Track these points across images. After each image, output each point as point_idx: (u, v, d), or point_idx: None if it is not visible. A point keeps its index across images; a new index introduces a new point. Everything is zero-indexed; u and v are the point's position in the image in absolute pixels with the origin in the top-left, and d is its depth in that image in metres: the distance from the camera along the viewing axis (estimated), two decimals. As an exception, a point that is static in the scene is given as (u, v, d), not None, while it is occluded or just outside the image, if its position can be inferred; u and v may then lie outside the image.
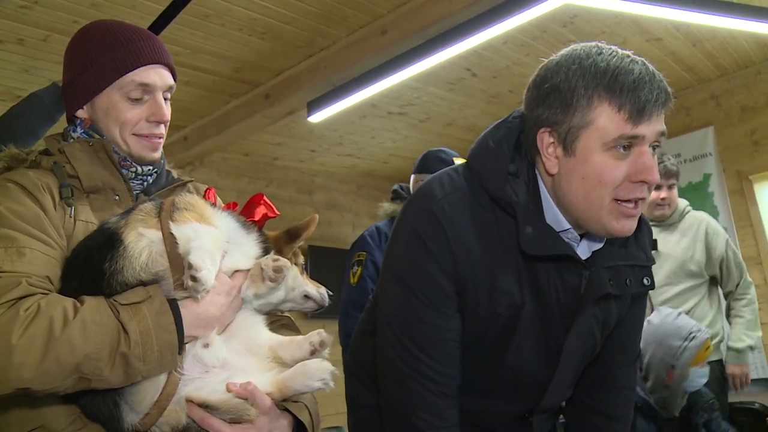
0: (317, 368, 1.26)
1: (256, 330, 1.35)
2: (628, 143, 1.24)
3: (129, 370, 1.15)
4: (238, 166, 5.92)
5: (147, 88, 1.43)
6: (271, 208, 1.42)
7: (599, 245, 1.39)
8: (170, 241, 1.22)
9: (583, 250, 1.39)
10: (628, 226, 1.29)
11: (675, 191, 3.31)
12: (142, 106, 1.44)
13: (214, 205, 1.39)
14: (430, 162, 3.03)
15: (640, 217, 1.41)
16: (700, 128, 5.41)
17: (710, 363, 3.29)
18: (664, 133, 1.27)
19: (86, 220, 1.34)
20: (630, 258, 1.43)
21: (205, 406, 1.23)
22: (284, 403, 1.31)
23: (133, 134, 1.44)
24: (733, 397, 3.72)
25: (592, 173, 1.25)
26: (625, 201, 1.26)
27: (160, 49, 1.47)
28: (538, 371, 1.44)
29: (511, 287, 1.34)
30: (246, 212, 1.41)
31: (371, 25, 3.84)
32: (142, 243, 1.22)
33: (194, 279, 1.17)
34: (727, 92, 5.33)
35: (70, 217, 1.32)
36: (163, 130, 1.49)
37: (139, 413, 1.21)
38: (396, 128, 5.63)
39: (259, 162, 6.05)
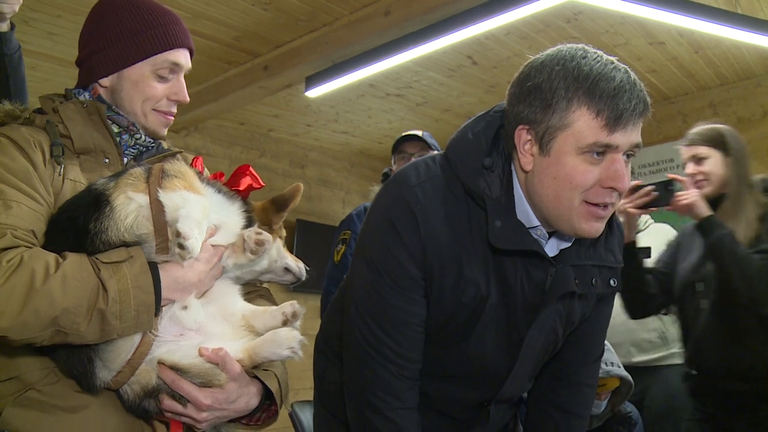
0: (286, 337, 1.29)
1: (231, 299, 1.39)
2: (602, 150, 1.25)
3: (105, 326, 1.18)
4: (233, 135, 5.90)
5: (176, 68, 1.50)
6: (257, 179, 1.44)
7: (567, 244, 1.42)
8: (157, 206, 1.25)
9: (552, 247, 1.41)
10: (596, 228, 1.31)
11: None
12: (166, 84, 1.50)
13: (200, 174, 1.41)
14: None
15: (611, 219, 1.44)
16: (695, 135, 5.42)
17: (680, 366, 3.33)
18: (639, 145, 1.28)
19: (75, 179, 1.37)
20: (598, 258, 1.45)
21: (176, 369, 1.26)
22: (254, 371, 1.35)
23: (153, 109, 1.50)
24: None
25: (564, 175, 1.27)
26: (595, 204, 1.28)
27: (187, 33, 1.55)
28: (498, 362, 1.47)
29: (478, 278, 1.37)
30: (231, 182, 1.43)
31: (375, 4, 3.81)
32: (131, 206, 1.25)
33: (182, 247, 1.22)
34: (726, 102, 5.33)
35: (59, 175, 1.35)
36: (175, 108, 1.56)
37: (111, 370, 1.24)
38: (393, 109, 5.62)
39: (254, 132, 6.03)
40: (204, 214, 1.27)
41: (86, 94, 1.50)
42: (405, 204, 1.36)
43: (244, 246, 1.33)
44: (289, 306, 1.37)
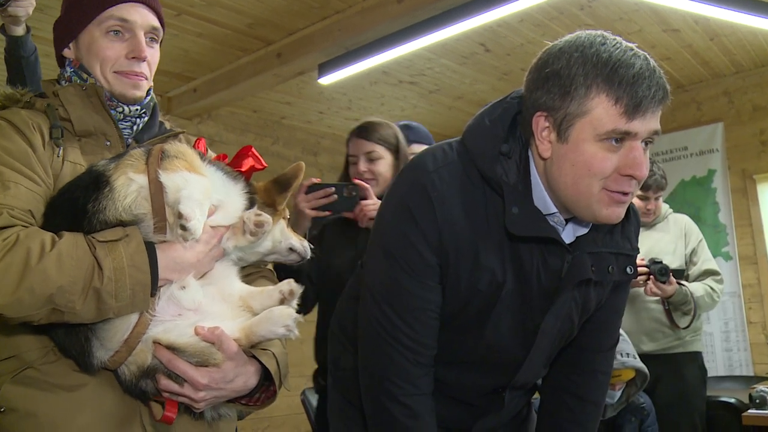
0: (280, 315, 1.29)
1: (229, 280, 1.39)
2: (621, 137, 1.25)
3: (101, 305, 1.18)
4: (246, 122, 5.91)
5: (126, 24, 1.44)
6: (259, 160, 1.43)
7: (584, 230, 1.41)
8: (156, 186, 1.25)
9: (568, 234, 1.41)
10: (617, 213, 1.30)
11: (660, 201, 3.39)
12: (122, 43, 1.45)
13: (203, 155, 1.40)
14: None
15: (629, 206, 1.43)
16: (709, 123, 5.38)
17: (692, 353, 3.34)
18: (657, 132, 1.28)
19: (75, 161, 1.37)
20: (614, 246, 1.45)
21: (172, 349, 1.26)
22: (252, 350, 1.34)
23: (113, 71, 1.45)
24: (712, 392, 3.77)
25: (583, 162, 1.26)
26: (614, 191, 1.28)
27: None
28: (513, 349, 1.47)
29: (494, 265, 1.36)
30: (234, 164, 1.43)
31: (388, -9, 3.81)
32: (132, 187, 1.25)
33: (184, 228, 1.21)
34: (741, 90, 5.29)
35: (58, 157, 1.35)
36: (145, 69, 1.48)
37: (108, 350, 1.25)
38: (405, 97, 5.61)
39: (266, 120, 6.04)
40: (205, 194, 1.27)
41: (68, 69, 1.49)
42: (422, 190, 1.35)
43: (244, 228, 1.33)
44: (287, 285, 1.37)
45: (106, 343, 1.24)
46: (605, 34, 1.29)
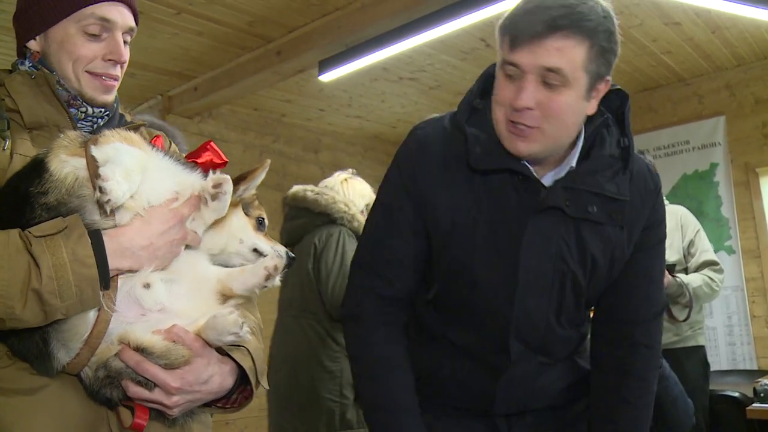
0: (224, 323, 1.19)
1: (201, 265, 1.29)
2: (513, 68, 1.36)
3: (45, 307, 1.07)
4: (246, 120, 5.91)
5: (107, 24, 1.35)
6: (219, 154, 1.36)
7: (559, 175, 1.48)
8: (92, 164, 1.15)
9: (548, 180, 1.49)
10: (515, 146, 1.41)
11: None
12: (99, 44, 1.36)
13: (159, 149, 1.33)
14: None
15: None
16: (711, 117, 5.36)
17: (694, 348, 3.34)
18: (551, 69, 1.33)
19: (25, 154, 1.25)
20: (596, 186, 1.47)
21: (140, 350, 1.17)
22: (226, 348, 1.25)
23: (86, 71, 1.36)
24: (715, 386, 3.77)
25: (495, 93, 1.44)
26: (511, 122, 1.39)
27: None
28: (504, 290, 1.50)
29: (469, 199, 1.48)
30: (191, 156, 1.36)
31: (388, -13, 3.80)
32: (66, 168, 1.15)
33: (101, 190, 1.09)
34: (743, 82, 5.27)
35: (4, 150, 1.24)
36: (119, 71, 1.41)
37: (70, 350, 1.15)
38: (406, 93, 5.60)
39: (267, 117, 6.04)
40: (137, 164, 1.16)
41: (27, 63, 1.37)
42: (408, 142, 1.57)
43: (203, 196, 1.22)
44: (271, 259, 1.27)
45: (66, 342, 1.14)
46: None
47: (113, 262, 1.14)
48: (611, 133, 1.52)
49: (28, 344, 1.14)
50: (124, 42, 1.41)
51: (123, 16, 1.38)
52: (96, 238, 1.12)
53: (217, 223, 1.29)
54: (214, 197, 1.21)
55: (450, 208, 1.48)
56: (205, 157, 1.33)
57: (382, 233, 1.58)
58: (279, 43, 4.44)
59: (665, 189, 3.42)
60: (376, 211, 1.62)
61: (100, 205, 1.12)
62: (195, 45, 4.42)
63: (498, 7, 3.58)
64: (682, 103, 5.49)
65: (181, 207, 1.22)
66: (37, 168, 1.16)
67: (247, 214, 1.35)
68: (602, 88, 1.43)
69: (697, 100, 5.47)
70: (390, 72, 5.10)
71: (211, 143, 1.35)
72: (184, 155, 1.37)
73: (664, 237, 1.65)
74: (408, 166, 1.53)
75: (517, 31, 1.34)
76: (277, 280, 1.29)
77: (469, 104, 1.52)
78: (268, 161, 1.37)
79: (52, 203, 1.13)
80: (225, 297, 1.29)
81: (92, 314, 1.14)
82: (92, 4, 1.34)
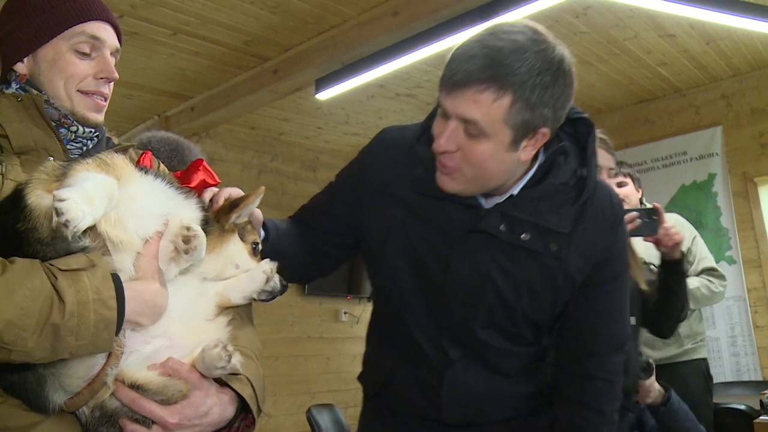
0: (210, 358, 1.16)
1: (196, 285, 1.28)
2: (443, 112, 1.37)
3: (57, 344, 1.03)
4: (244, 139, 5.92)
5: (97, 42, 1.37)
6: (211, 175, 1.36)
7: (500, 199, 1.48)
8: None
9: (490, 202, 1.49)
10: (442, 181, 1.43)
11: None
12: (90, 62, 1.36)
13: (148, 168, 1.30)
14: None
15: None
16: (708, 127, 5.37)
17: (695, 361, 3.30)
18: (468, 120, 1.33)
19: (15, 179, 1.21)
20: (535, 215, 1.44)
21: (135, 388, 1.13)
22: (226, 378, 1.22)
23: (78, 90, 1.35)
24: (720, 398, 3.73)
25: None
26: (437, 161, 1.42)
27: (106, 8, 1.41)
28: (431, 297, 1.55)
29: (403, 215, 1.53)
30: (184, 177, 1.35)
31: (383, 5, 3.82)
32: (44, 203, 1.09)
33: (57, 212, 1.01)
34: (738, 93, 5.29)
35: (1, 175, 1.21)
36: (108, 90, 1.41)
37: (68, 392, 1.11)
38: (403, 110, 5.61)
39: (265, 136, 6.05)
40: (101, 189, 1.09)
41: (13, 85, 1.35)
42: (373, 141, 1.65)
43: (177, 244, 1.18)
44: (267, 263, 1.28)
45: (66, 386, 1.10)
46: (504, 24, 1.38)
47: (131, 315, 1.12)
48: (567, 162, 1.48)
49: (22, 383, 1.10)
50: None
51: (110, 36, 1.40)
52: (118, 281, 1.10)
53: (213, 249, 1.27)
54: (187, 252, 1.18)
55: (391, 203, 1.54)
56: (197, 179, 1.32)
57: (317, 198, 1.71)
58: (275, 62, 4.46)
59: (665, 200, 3.41)
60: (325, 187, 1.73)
61: (58, 229, 1.04)
62: (191, 65, 4.43)
63: (493, 23, 3.59)
64: (678, 114, 5.50)
65: (154, 242, 1.19)
66: (17, 200, 1.12)
67: (242, 239, 1.34)
68: (540, 138, 1.38)
69: (694, 111, 5.48)
70: (387, 89, 5.12)
71: (204, 162, 1.34)
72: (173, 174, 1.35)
73: (623, 272, 1.60)
74: (364, 159, 1.63)
75: (445, 74, 1.35)
76: (277, 283, 1.30)
77: (427, 123, 1.52)
78: (263, 188, 1.36)
79: (46, 239, 1.08)
80: (225, 309, 1.30)
81: (101, 357, 1.11)
82: (82, 22, 1.35)
